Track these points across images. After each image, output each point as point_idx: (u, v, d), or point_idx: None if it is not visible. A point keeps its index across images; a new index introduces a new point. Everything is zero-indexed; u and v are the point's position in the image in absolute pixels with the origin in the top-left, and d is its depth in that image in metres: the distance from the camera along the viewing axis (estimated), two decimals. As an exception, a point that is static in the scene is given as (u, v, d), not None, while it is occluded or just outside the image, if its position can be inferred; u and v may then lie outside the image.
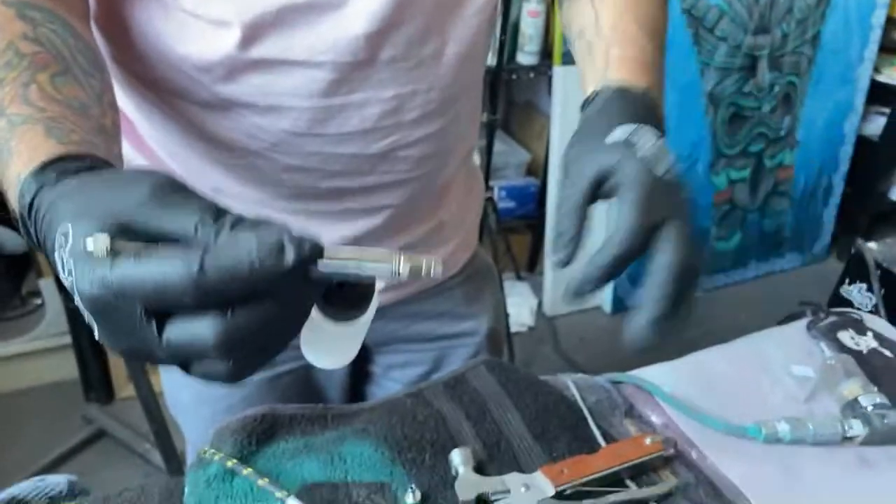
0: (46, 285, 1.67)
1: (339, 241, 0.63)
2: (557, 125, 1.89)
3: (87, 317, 0.30)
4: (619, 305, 2.14)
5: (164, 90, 0.54)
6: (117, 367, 1.72)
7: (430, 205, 0.68)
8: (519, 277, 2.23)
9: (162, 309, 0.29)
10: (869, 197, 2.39)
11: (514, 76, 1.92)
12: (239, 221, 0.29)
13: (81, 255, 0.29)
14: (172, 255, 0.28)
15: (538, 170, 2.17)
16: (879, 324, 0.84)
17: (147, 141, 0.60)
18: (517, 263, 2.22)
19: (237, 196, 0.59)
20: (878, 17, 2.14)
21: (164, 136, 0.58)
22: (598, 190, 0.45)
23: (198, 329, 0.28)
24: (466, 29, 0.55)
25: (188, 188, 0.31)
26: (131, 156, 0.62)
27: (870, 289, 1.16)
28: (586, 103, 0.52)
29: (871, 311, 1.14)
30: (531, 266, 2.30)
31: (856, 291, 1.19)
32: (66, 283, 0.30)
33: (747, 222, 2.24)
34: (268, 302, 0.29)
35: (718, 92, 1.99)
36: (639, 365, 0.75)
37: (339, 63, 0.51)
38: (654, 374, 0.70)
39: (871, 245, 1.22)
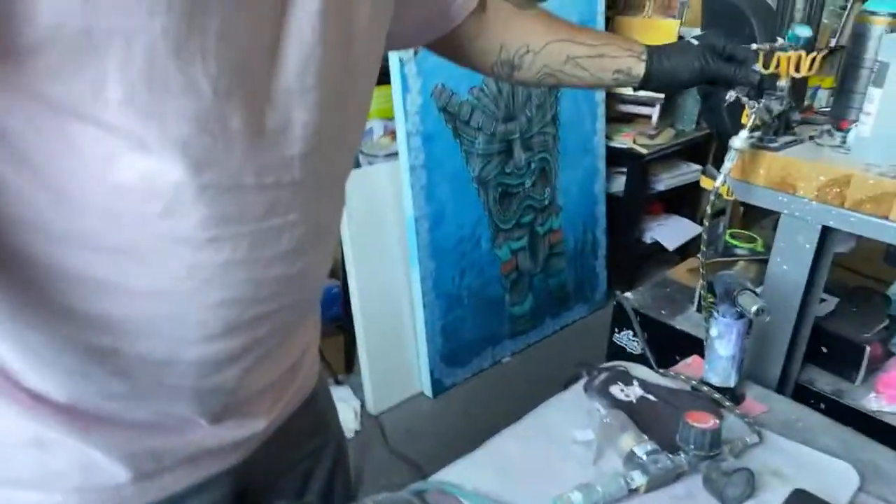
0: None
1: (236, 385, 0.59)
2: (347, 226, 1.93)
3: None
4: (439, 387, 2.19)
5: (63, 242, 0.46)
6: None
7: (303, 323, 0.68)
8: (337, 382, 2.19)
9: None
10: (628, 244, 2.73)
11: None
12: None
13: None
14: None
15: (337, 271, 2.18)
16: (641, 371, 0.94)
17: None
18: (333, 368, 2.18)
19: (132, 356, 0.53)
20: (600, 94, 2.51)
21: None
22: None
23: None
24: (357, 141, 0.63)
25: None
26: None
27: (636, 334, 1.31)
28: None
29: (640, 353, 1.28)
30: (348, 367, 2.27)
31: (626, 338, 1.34)
32: None
33: (535, 285, 2.43)
34: None
35: (485, 175, 2.18)
36: (466, 451, 0.77)
37: (281, 184, 0.51)
38: (456, 471, 0.72)
39: (628, 295, 1.38)
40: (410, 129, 1.94)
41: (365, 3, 0.55)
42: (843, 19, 3.15)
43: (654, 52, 0.82)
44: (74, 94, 0.42)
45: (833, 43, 3.16)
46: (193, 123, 0.45)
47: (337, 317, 2.18)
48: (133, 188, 0.45)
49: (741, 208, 2.21)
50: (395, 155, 2.00)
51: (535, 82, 0.84)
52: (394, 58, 1.88)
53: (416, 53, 1.92)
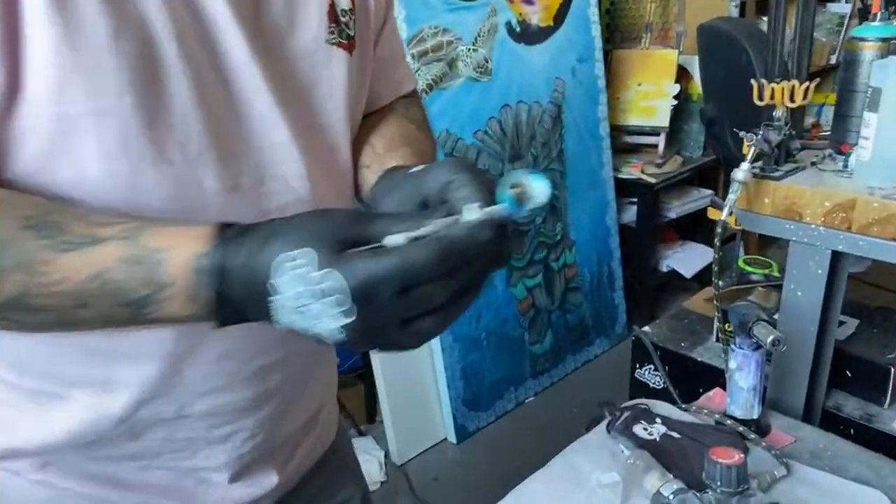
0: None
1: (248, 437, 0.61)
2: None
3: (336, 315, 0.37)
4: (463, 432, 2.17)
5: None
6: None
7: (316, 376, 0.68)
8: (360, 433, 2.17)
9: (410, 284, 0.37)
10: (645, 274, 2.72)
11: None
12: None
13: (331, 262, 0.37)
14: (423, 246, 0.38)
15: (354, 320, 2.19)
16: (664, 408, 0.94)
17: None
18: (355, 418, 2.17)
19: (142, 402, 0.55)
20: (604, 128, 2.54)
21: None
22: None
23: (433, 289, 0.38)
24: None
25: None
26: None
27: (657, 368, 1.30)
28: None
29: (663, 388, 1.27)
30: (370, 417, 2.26)
31: (647, 373, 1.33)
32: (295, 299, 0.38)
33: (553, 322, 2.42)
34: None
35: (495, 215, 2.20)
36: (494, 496, 0.76)
37: None
38: (484, 522, 0.72)
39: (647, 329, 1.38)
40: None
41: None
42: (841, 37, 3.18)
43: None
44: (59, 180, 0.45)
45: (833, 60, 3.19)
46: (170, 189, 0.48)
47: (357, 366, 2.18)
48: None
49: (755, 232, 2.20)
50: (405, 202, 2.03)
51: None
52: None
53: (420, 102, 1.96)
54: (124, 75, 0.44)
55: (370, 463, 2.03)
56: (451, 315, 0.41)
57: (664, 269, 2.79)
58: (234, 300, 0.40)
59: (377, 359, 2.01)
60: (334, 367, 0.79)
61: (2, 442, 0.56)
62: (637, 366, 1.36)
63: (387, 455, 2.09)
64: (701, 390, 1.08)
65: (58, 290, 0.40)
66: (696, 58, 1.94)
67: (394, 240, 0.38)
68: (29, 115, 0.43)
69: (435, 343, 2.07)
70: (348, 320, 0.38)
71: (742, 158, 0.92)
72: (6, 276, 0.40)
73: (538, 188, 0.42)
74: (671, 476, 0.75)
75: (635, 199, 2.66)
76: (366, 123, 0.67)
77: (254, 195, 0.53)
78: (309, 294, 0.37)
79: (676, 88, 2.61)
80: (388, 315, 0.38)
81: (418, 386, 2.11)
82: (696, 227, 2.92)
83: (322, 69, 0.57)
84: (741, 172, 0.89)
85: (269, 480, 0.65)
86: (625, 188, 2.64)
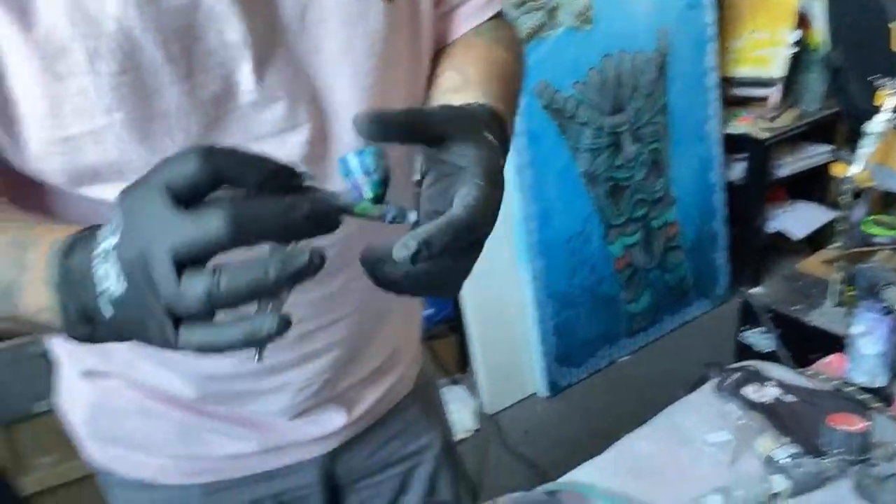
0: None
1: (303, 387, 0.63)
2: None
3: (111, 233, 0.33)
4: (554, 387, 2.17)
5: None
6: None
7: (382, 330, 0.69)
8: (453, 382, 2.23)
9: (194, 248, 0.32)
10: (751, 234, 2.58)
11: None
12: None
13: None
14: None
15: (448, 273, 2.22)
16: (777, 370, 0.90)
17: None
18: (448, 368, 2.22)
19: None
20: (712, 79, 2.40)
21: None
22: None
23: (211, 212, 0.32)
24: None
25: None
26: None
27: (767, 331, 1.24)
28: None
29: (772, 351, 1.22)
30: (462, 368, 2.31)
31: (755, 336, 1.28)
32: (96, 262, 0.34)
33: (651, 281, 2.36)
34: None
35: (593, 171, 2.14)
36: (585, 451, 0.77)
37: None
38: (586, 472, 0.72)
39: (758, 290, 1.32)
40: (515, 129, 1.95)
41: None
42: None
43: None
44: (92, 193, 0.48)
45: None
46: None
47: (449, 318, 2.22)
48: None
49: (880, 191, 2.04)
50: (501, 156, 2.01)
51: None
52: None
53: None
54: (107, 94, 0.44)
55: (462, 411, 2.07)
56: (229, 286, 0.32)
57: (771, 230, 2.64)
58: (76, 282, 0.36)
59: (469, 311, 2.04)
60: (411, 319, 0.79)
61: (100, 365, 0.62)
62: (743, 328, 1.31)
63: (479, 405, 2.14)
64: (813, 356, 1.03)
65: None
66: (817, 2, 1.78)
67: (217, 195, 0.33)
68: (40, 140, 0.45)
69: (527, 298, 2.07)
70: (114, 239, 0.33)
71: (872, 110, 0.84)
72: None
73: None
74: (787, 440, 0.73)
75: (743, 156, 2.51)
76: (448, 50, 0.63)
77: None
78: (108, 227, 0.34)
79: (796, 35, 2.41)
80: (157, 231, 0.32)
81: (510, 339, 2.12)
82: (809, 187, 2.73)
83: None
84: (878, 124, 0.82)
85: (332, 423, 0.68)
86: (732, 143, 2.49)
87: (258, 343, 0.34)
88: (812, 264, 1.44)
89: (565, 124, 2.05)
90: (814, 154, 2.60)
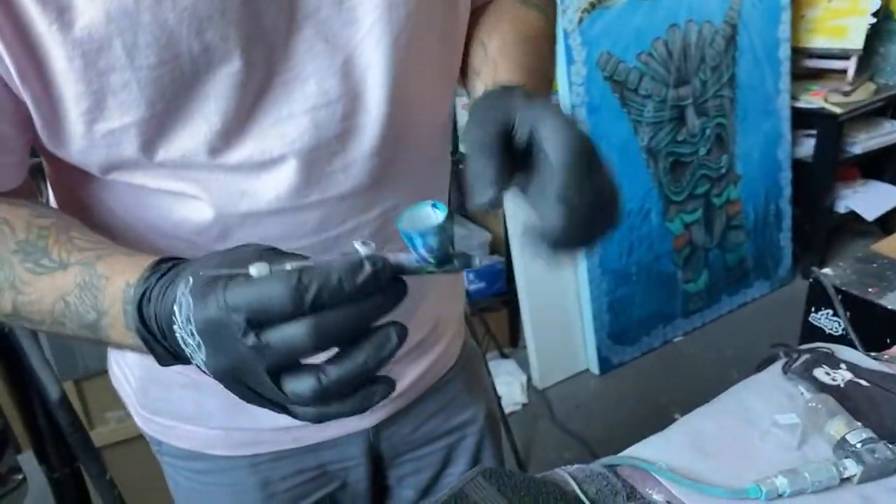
0: (26, 459, 1.61)
1: None
2: (508, 203, 1.95)
3: (197, 345, 0.36)
4: (606, 365, 2.15)
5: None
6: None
7: (423, 304, 0.69)
8: (503, 355, 2.23)
9: (260, 319, 0.33)
10: (818, 214, 2.48)
11: (459, 165, 1.98)
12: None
13: (193, 290, 0.35)
14: (276, 276, 0.33)
15: (501, 247, 2.21)
16: (849, 353, 0.86)
17: None
18: (499, 342, 2.23)
19: None
20: (784, 51, 2.29)
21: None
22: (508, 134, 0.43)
23: (293, 329, 0.33)
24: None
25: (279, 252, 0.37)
26: None
27: (836, 314, 1.19)
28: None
29: (842, 335, 1.17)
30: (513, 341, 2.31)
31: (824, 318, 1.22)
32: (181, 328, 0.36)
33: (710, 260, 2.29)
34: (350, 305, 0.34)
35: (654, 145, 2.08)
36: (636, 430, 0.75)
37: (326, 200, 0.54)
38: (648, 449, 0.71)
39: (827, 271, 1.26)
40: (575, 100, 1.91)
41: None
42: None
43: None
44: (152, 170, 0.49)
45: None
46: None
47: (502, 292, 2.22)
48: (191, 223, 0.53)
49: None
50: (560, 129, 1.98)
51: None
52: (558, 29, 1.85)
53: (580, 22, 1.87)
54: (149, 87, 0.44)
55: (512, 385, 2.08)
56: (333, 382, 0.34)
57: (841, 209, 2.53)
58: (157, 333, 0.40)
59: (522, 285, 2.03)
60: (453, 294, 0.78)
61: None
62: (812, 309, 1.26)
63: (529, 380, 2.14)
64: (888, 341, 0.98)
65: (38, 308, 0.45)
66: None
67: (257, 269, 0.34)
68: (83, 134, 0.46)
69: (581, 274, 2.05)
70: (202, 354, 0.36)
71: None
72: (3, 293, 0.46)
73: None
74: (859, 424, 0.70)
75: (814, 132, 2.40)
76: (479, 15, 0.62)
77: None
78: (185, 321, 0.36)
79: (877, 4, 2.27)
80: (245, 355, 0.34)
81: (563, 315, 2.11)
82: (884, 165, 2.60)
83: None
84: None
85: None
86: (802, 119, 2.38)
87: (370, 407, 0.37)
88: (888, 246, 1.37)
89: (627, 96, 2.00)
90: (890, 131, 2.47)
